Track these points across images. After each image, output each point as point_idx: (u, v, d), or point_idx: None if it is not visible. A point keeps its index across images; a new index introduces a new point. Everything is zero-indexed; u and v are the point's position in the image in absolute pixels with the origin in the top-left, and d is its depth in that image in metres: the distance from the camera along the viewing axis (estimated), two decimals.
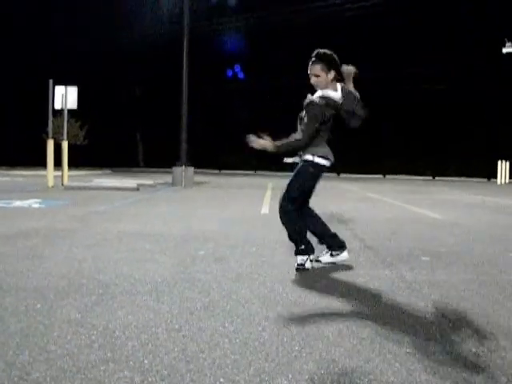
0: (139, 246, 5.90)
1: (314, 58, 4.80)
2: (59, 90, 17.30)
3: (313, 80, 4.83)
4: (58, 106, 17.42)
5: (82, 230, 7.11)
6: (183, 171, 19.80)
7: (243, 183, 24.04)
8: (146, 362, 2.61)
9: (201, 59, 36.80)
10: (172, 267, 4.80)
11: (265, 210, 10.74)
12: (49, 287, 3.94)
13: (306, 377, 2.49)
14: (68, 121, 19.73)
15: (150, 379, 2.42)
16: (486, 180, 36.55)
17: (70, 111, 18.74)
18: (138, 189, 16.19)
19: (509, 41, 32.45)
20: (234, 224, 8.30)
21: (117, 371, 2.49)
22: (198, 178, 23.33)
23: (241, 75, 45.62)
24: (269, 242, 6.47)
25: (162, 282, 4.20)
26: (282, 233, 7.35)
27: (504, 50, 32.76)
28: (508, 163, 32.15)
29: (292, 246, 6.16)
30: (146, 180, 21.04)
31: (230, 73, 45.70)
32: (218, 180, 26.51)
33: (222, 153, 45.50)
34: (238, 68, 45.27)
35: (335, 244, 5.18)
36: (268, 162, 45.12)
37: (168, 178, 21.10)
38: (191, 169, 20.32)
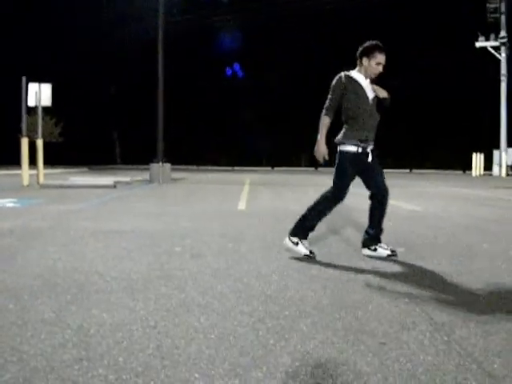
0: (115, 244, 5.87)
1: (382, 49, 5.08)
2: (33, 87, 17.10)
3: (381, 69, 5.11)
4: (31, 103, 17.21)
5: (58, 228, 7.05)
6: (160, 168, 19.74)
7: (221, 179, 24.02)
8: (120, 359, 2.60)
9: (180, 56, 36.72)
10: (148, 264, 4.78)
11: (242, 205, 10.76)
12: (23, 287, 3.90)
13: (281, 369, 2.51)
14: (43, 118, 19.55)
15: (124, 377, 2.41)
16: (461, 172, 36.97)
17: (45, 109, 18.55)
18: (114, 186, 16.10)
19: (482, 35, 32.75)
20: (211, 220, 8.30)
21: (91, 369, 2.48)
22: (176, 175, 23.25)
23: (240, 74, 45.01)
24: (245, 237, 6.48)
25: (138, 280, 4.19)
26: (259, 228, 7.39)
27: (477, 45, 33.07)
28: (482, 156, 32.55)
29: (269, 241, 6.18)
30: (123, 177, 20.90)
31: (229, 71, 45.01)
32: (195, 176, 26.45)
33: (199, 149, 45.46)
34: (237, 67, 44.59)
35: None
36: (245, 158, 45.32)
37: (145, 175, 21.01)
38: (168, 165, 20.27)
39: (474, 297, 3.83)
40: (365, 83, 5.11)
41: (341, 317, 3.29)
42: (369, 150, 5.14)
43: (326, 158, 5.14)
